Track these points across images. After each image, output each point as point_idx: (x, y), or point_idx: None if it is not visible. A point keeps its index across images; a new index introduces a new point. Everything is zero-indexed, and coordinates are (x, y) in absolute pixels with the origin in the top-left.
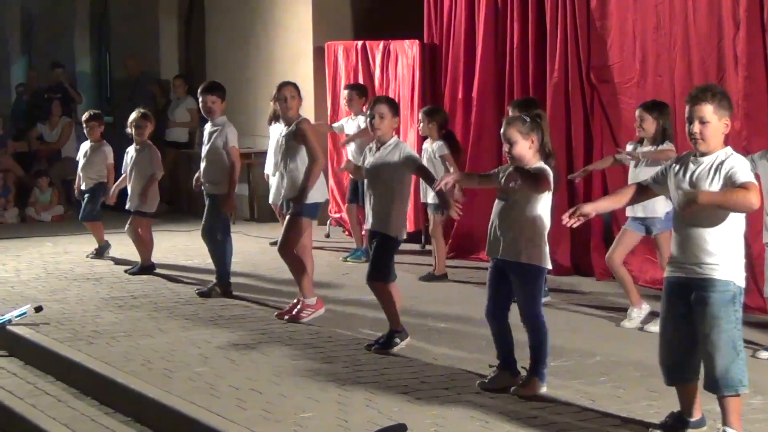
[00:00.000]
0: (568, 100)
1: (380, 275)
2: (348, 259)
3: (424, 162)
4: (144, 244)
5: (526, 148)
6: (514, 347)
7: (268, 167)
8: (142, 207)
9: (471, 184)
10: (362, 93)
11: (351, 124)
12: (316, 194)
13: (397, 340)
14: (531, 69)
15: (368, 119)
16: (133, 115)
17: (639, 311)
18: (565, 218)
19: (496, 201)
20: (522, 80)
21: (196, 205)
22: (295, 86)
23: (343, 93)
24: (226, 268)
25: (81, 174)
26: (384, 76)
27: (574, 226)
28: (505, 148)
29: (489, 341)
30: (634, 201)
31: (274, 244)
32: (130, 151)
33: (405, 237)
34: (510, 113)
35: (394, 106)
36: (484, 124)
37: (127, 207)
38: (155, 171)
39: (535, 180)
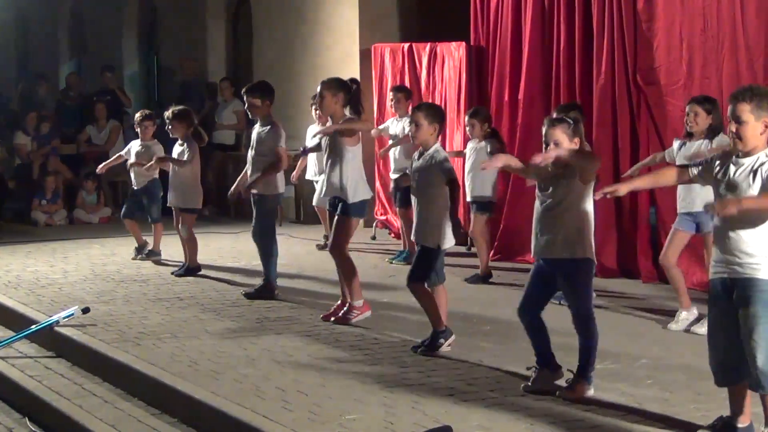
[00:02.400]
0: (615, 103)
1: (418, 277)
2: (394, 261)
3: (469, 163)
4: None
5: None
6: (551, 346)
7: (309, 172)
8: (184, 203)
9: (521, 169)
10: (409, 95)
11: (396, 125)
12: (362, 191)
13: (442, 340)
14: (577, 71)
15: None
16: (137, 116)
17: (687, 314)
18: (599, 194)
19: (537, 202)
20: (568, 82)
21: (243, 207)
22: (332, 83)
23: (389, 95)
24: (268, 268)
25: (133, 174)
26: (430, 78)
27: (596, 197)
28: (549, 150)
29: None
30: (671, 183)
31: (320, 247)
32: (134, 147)
33: (449, 245)
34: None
35: (431, 114)
36: (531, 126)
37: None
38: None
39: (586, 156)
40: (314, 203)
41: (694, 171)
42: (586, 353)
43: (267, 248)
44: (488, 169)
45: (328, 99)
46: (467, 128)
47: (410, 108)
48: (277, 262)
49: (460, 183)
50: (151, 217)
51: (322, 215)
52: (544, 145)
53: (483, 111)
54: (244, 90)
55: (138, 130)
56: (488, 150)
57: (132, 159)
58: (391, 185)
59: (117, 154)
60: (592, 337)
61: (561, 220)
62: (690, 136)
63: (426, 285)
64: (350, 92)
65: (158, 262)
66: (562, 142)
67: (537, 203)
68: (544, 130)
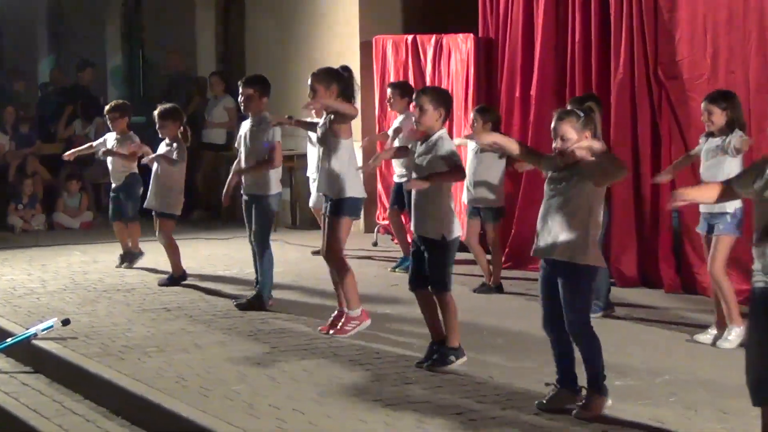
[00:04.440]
0: (634, 99)
1: (443, 284)
2: (396, 269)
3: (470, 159)
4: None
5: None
6: (575, 363)
7: (311, 170)
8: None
9: (514, 149)
10: (405, 91)
11: (394, 124)
12: (353, 188)
13: (452, 358)
14: (594, 65)
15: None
16: (106, 108)
17: (740, 330)
18: (672, 204)
19: (545, 197)
20: (584, 77)
21: (235, 211)
22: (323, 75)
23: (388, 92)
24: (264, 278)
25: (111, 169)
26: (436, 72)
27: (672, 207)
28: (557, 144)
29: (548, 357)
30: (719, 200)
31: (316, 253)
32: (110, 139)
33: (456, 234)
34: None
35: (437, 98)
36: (544, 124)
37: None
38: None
39: (613, 163)
40: (311, 204)
41: (733, 182)
42: (590, 365)
43: (263, 252)
44: (483, 146)
45: (321, 92)
46: (474, 125)
47: (409, 105)
48: (272, 270)
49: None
50: (126, 216)
51: (319, 217)
52: (553, 140)
53: (491, 111)
54: (241, 81)
55: (109, 123)
56: (498, 153)
57: (109, 149)
58: (394, 187)
59: (88, 144)
60: (592, 347)
61: (566, 220)
62: (712, 134)
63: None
64: (343, 81)
65: (131, 265)
66: (571, 137)
67: (545, 197)
68: (552, 124)
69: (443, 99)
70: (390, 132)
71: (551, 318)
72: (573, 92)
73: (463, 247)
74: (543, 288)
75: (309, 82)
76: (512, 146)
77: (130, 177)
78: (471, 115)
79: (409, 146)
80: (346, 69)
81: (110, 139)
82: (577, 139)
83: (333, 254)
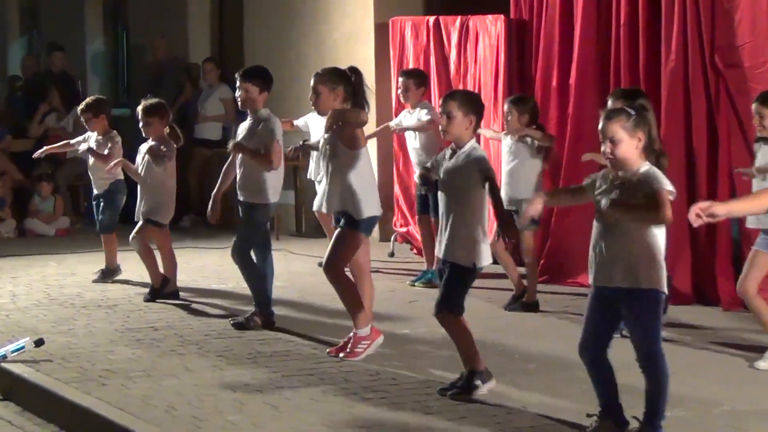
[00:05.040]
0: (688, 89)
1: (450, 305)
2: (416, 283)
3: (504, 157)
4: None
5: (632, 148)
6: (619, 391)
7: (314, 172)
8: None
9: (560, 203)
10: (421, 81)
11: (409, 118)
12: (371, 205)
13: (478, 382)
14: (642, 51)
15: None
16: (79, 107)
17: None
18: (692, 216)
19: (596, 221)
20: (630, 65)
21: (232, 217)
22: (328, 76)
23: (399, 81)
24: (266, 294)
25: (92, 174)
26: (461, 59)
27: (696, 225)
28: (605, 148)
29: (590, 385)
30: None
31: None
32: (92, 140)
33: (486, 262)
34: (610, 105)
35: (467, 103)
36: (584, 118)
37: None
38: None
39: (651, 210)
40: (314, 208)
41: None
42: (653, 399)
43: (256, 267)
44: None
45: (325, 95)
46: (508, 118)
47: (422, 97)
48: (272, 284)
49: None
50: (102, 225)
51: (325, 223)
52: (602, 143)
53: (532, 102)
54: (239, 73)
55: (84, 123)
56: (531, 147)
57: (90, 160)
58: (415, 188)
59: (64, 142)
60: (660, 380)
61: (623, 240)
62: (764, 139)
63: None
64: (350, 84)
65: (106, 279)
66: (621, 139)
67: (595, 222)
68: (600, 124)
69: (474, 105)
70: (407, 122)
71: (591, 342)
72: (617, 82)
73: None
74: (591, 308)
75: (311, 83)
76: (561, 202)
77: (113, 184)
78: (504, 107)
79: (431, 161)
80: (354, 71)
81: (92, 139)
82: (629, 141)
83: (334, 267)
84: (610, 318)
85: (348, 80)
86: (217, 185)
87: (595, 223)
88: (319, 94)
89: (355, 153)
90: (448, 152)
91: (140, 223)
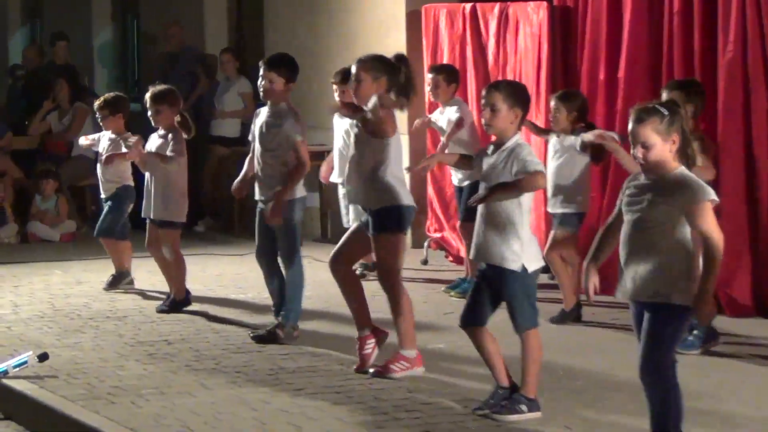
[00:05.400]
0: (747, 81)
1: (527, 320)
2: (452, 292)
3: (550, 157)
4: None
5: (666, 152)
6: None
7: (335, 174)
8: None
9: (611, 247)
10: (451, 77)
11: (441, 119)
12: (407, 195)
13: (524, 407)
14: (696, 41)
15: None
16: (96, 103)
17: None
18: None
19: (624, 225)
20: (684, 56)
21: (250, 221)
22: (372, 63)
23: (427, 78)
24: (292, 304)
25: (100, 176)
26: (500, 50)
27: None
28: (637, 152)
29: (640, 405)
30: None
31: (365, 271)
32: (104, 139)
33: (536, 265)
34: (664, 98)
35: (513, 95)
36: None
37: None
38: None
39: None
40: (347, 224)
41: None
42: (661, 416)
43: (284, 274)
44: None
45: (367, 84)
46: (552, 115)
47: (454, 94)
48: (300, 294)
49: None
50: (101, 227)
51: None
52: (632, 148)
53: (580, 99)
54: (263, 61)
55: (100, 122)
56: (577, 146)
57: (101, 150)
58: (455, 191)
59: (92, 137)
60: (670, 393)
61: (656, 248)
62: None
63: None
64: (396, 75)
65: (116, 286)
66: (654, 143)
67: (624, 226)
68: (630, 126)
69: (521, 97)
70: (440, 123)
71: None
72: (670, 74)
73: None
74: (637, 327)
75: (353, 69)
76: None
77: (122, 189)
78: (551, 103)
79: (474, 158)
80: (401, 59)
81: (105, 139)
82: (663, 145)
83: (389, 276)
84: None
85: (393, 71)
86: (241, 175)
87: (623, 229)
88: (361, 82)
89: (382, 140)
90: (491, 148)
91: (155, 231)
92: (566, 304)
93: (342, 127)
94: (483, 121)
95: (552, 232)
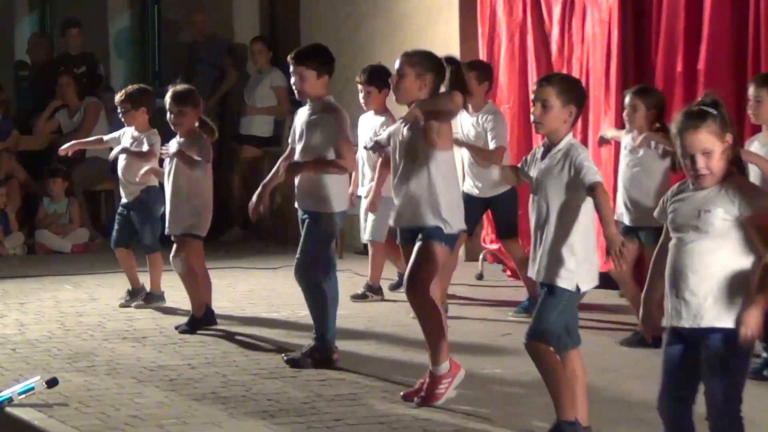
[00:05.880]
0: None
1: (542, 335)
2: (513, 313)
3: (624, 162)
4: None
5: (724, 156)
6: None
7: (363, 187)
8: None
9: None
10: (483, 74)
11: (469, 124)
12: (458, 217)
13: None
14: None
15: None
16: (116, 97)
17: None
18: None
19: (673, 241)
20: None
21: (284, 231)
22: (419, 59)
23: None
24: (327, 325)
25: (121, 178)
26: (565, 38)
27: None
28: (700, 164)
29: None
30: None
31: (396, 287)
32: (126, 136)
33: (590, 285)
34: (751, 93)
35: (567, 90)
36: None
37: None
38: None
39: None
40: (367, 237)
41: None
42: None
43: (318, 291)
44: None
45: (410, 81)
46: (626, 112)
47: (486, 96)
48: (336, 312)
49: (610, 194)
50: (144, 245)
51: (392, 250)
52: (681, 159)
53: (656, 95)
54: (291, 56)
55: (121, 117)
56: (659, 152)
57: (121, 162)
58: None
59: (99, 136)
60: None
61: (709, 266)
62: None
63: (552, 348)
64: (443, 76)
65: (146, 304)
66: (712, 150)
67: (673, 242)
68: (675, 129)
69: (576, 93)
70: (462, 127)
71: (670, 399)
72: (757, 65)
73: (604, 281)
74: (667, 358)
75: (397, 63)
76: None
77: (145, 192)
78: (626, 98)
79: (521, 162)
80: (452, 61)
81: (127, 136)
82: (721, 149)
83: (418, 286)
84: (691, 367)
85: (441, 71)
86: (269, 176)
87: (672, 246)
88: (404, 77)
89: (440, 154)
90: (540, 150)
91: (176, 239)
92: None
93: (371, 127)
94: (533, 117)
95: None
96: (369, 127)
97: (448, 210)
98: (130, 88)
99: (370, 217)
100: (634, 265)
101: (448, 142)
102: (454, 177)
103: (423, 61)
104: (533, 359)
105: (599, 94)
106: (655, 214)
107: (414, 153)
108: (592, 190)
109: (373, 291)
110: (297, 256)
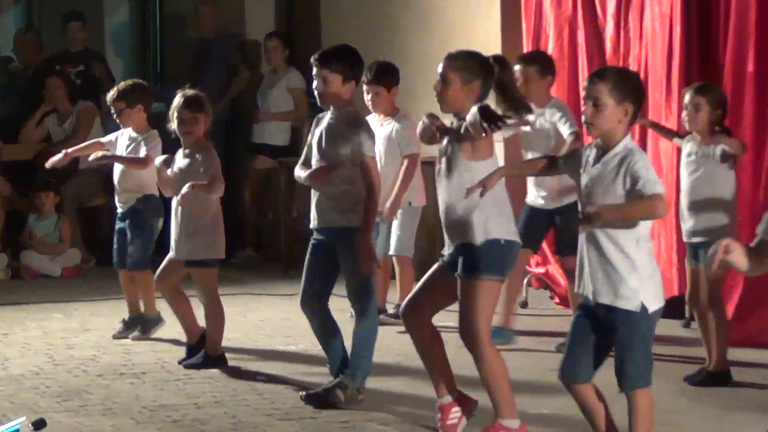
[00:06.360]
0: None
1: (639, 377)
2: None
3: (685, 171)
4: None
5: None
6: None
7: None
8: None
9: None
10: (545, 68)
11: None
12: (506, 227)
13: None
14: None
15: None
16: (108, 95)
17: None
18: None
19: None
20: None
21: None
22: (465, 61)
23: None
24: (362, 362)
25: (116, 185)
26: (620, 34)
27: None
28: None
29: None
30: None
31: (393, 315)
32: (122, 139)
33: (657, 305)
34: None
35: (622, 86)
36: None
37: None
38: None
39: None
40: (390, 251)
41: None
42: None
43: (372, 319)
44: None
45: (456, 87)
46: (686, 112)
47: (549, 91)
48: (372, 345)
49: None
50: (131, 259)
51: (404, 268)
52: None
53: (717, 92)
54: (315, 57)
55: (114, 116)
56: (717, 155)
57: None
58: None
59: (95, 140)
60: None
61: None
62: None
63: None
64: (492, 80)
65: (144, 335)
66: None
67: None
68: None
69: (632, 89)
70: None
71: None
72: None
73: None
74: None
75: (440, 67)
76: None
77: (141, 201)
78: (686, 97)
79: (585, 160)
80: (500, 61)
81: (123, 138)
82: None
83: (474, 333)
84: None
85: (490, 73)
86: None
87: None
88: (449, 84)
89: (483, 165)
90: (593, 153)
91: (169, 262)
92: (711, 362)
93: (382, 134)
94: (583, 118)
95: (688, 269)
96: (380, 133)
97: (487, 226)
98: (122, 84)
99: (395, 229)
100: (695, 291)
101: (487, 152)
102: (496, 188)
103: (470, 64)
104: (635, 409)
105: (659, 96)
106: (759, 229)
107: (452, 165)
108: (652, 197)
109: (389, 315)
110: (347, 281)
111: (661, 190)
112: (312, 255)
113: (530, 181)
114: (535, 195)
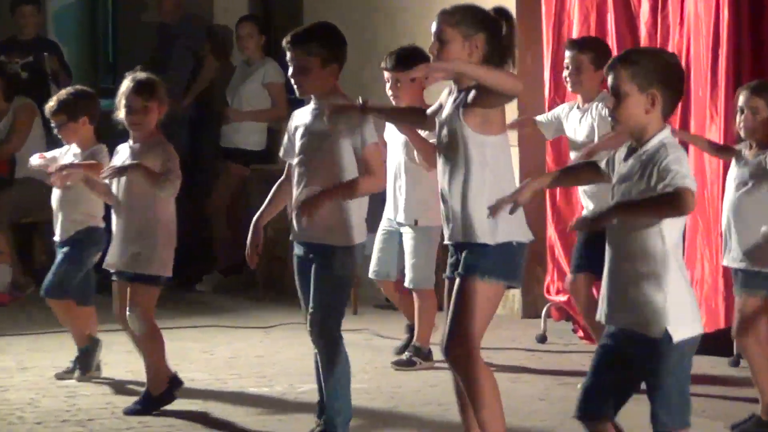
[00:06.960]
0: None
1: (675, 417)
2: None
3: (732, 194)
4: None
5: None
6: None
7: (390, 208)
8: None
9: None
10: (601, 57)
11: (578, 121)
12: (514, 225)
13: None
14: None
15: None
16: (47, 106)
17: None
18: None
19: None
20: None
21: (281, 277)
22: (462, 15)
23: (567, 57)
24: (340, 403)
25: (55, 211)
26: (658, 20)
27: None
28: None
29: None
30: None
31: (400, 351)
32: (67, 155)
33: (690, 333)
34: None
35: (646, 69)
36: None
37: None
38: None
39: None
40: (409, 284)
41: None
42: None
43: (340, 355)
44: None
45: (456, 46)
46: (740, 117)
47: (600, 85)
48: (348, 384)
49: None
50: (47, 282)
51: (424, 303)
52: None
53: None
54: (287, 39)
55: (55, 131)
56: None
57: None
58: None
59: (52, 154)
60: None
61: None
62: None
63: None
64: (498, 33)
65: (85, 370)
66: None
67: None
68: None
69: (660, 69)
70: (575, 129)
71: None
72: None
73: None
74: None
75: (434, 26)
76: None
77: (84, 232)
78: (740, 98)
79: (615, 156)
80: (502, 13)
81: (68, 157)
82: None
83: (463, 345)
84: None
85: (494, 27)
86: (262, 207)
87: None
88: (446, 43)
89: (490, 141)
90: (623, 152)
91: (124, 289)
92: (764, 410)
93: (400, 142)
94: (609, 112)
95: (737, 300)
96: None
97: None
98: (63, 93)
99: (408, 255)
100: (750, 325)
101: (498, 128)
102: (503, 172)
103: (468, 17)
104: None
105: (703, 94)
106: None
107: (451, 145)
108: (675, 195)
109: (422, 356)
110: (310, 308)
111: (692, 186)
112: (301, 275)
113: (580, 189)
114: (583, 201)
